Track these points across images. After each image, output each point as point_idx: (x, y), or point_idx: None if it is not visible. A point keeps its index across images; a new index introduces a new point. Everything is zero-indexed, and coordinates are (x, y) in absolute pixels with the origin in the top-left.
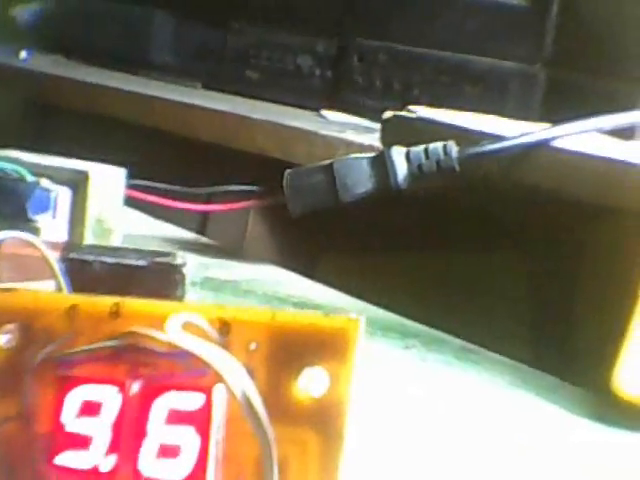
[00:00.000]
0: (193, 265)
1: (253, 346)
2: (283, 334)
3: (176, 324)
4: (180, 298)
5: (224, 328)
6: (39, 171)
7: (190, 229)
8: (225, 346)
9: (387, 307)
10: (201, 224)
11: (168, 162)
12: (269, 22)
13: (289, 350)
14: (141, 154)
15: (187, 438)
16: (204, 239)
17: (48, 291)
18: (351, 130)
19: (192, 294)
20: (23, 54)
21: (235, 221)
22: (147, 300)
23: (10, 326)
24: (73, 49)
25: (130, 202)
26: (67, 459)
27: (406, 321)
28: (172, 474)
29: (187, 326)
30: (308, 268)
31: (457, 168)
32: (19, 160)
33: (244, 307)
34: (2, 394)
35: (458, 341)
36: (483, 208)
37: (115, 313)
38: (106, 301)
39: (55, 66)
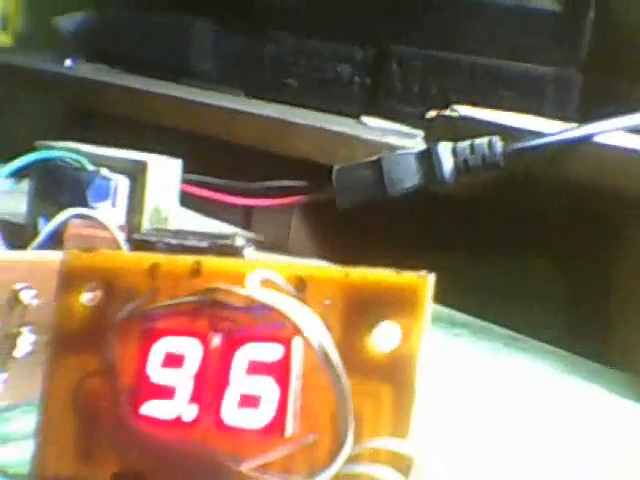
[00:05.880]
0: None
1: (328, 302)
2: (356, 291)
3: (255, 280)
4: None
5: (300, 285)
6: (98, 161)
7: (234, 226)
8: (301, 302)
9: (435, 300)
10: (245, 221)
11: (212, 167)
12: (307, 31)
13: (362, 306)
14: (185, 160)
15: (267, 388)
16: (250, 234)
17: (128, 252)
18: (392, 135)
19: None
20: (67, 62)
21: (279, 218)
22: (226, 259)
23: (93, 284)
24: (116, 58)
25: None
26: (151, 409)
27: (454, 312)
28: (253, 423)
29: (265, 282)
30: (352, 264)
31: (501, 163)
32: (79, 150)
33: (319, 266)
34: (86, 350)
35: (504, 330)
36: (525, 202)
37: (196, 271)
38: (187, 260)
39: (99, 73)
